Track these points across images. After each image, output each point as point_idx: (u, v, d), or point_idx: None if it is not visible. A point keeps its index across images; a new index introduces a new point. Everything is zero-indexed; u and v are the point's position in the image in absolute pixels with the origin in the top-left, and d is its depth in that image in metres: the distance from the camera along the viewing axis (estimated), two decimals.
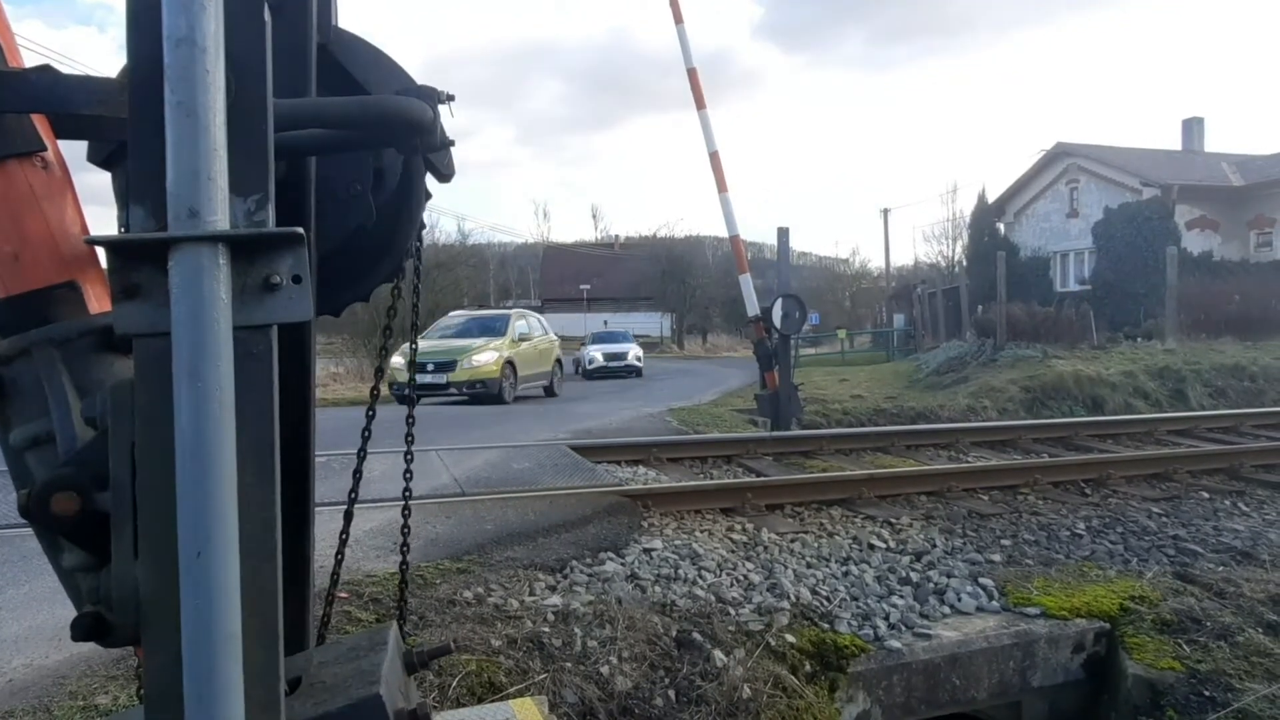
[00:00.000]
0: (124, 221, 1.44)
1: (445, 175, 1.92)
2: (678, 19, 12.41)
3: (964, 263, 36.83)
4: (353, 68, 1.79)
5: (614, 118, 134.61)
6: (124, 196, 1.50)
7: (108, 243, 1.15)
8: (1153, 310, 22.64)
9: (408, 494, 2.30)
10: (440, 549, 4.62)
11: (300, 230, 1.18)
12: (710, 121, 12.40)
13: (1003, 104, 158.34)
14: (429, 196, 1.97)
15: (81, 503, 1.27)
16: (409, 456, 2.26)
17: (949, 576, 4.94)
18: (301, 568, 1.79)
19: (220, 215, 1.14)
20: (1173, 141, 32.85)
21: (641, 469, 7.65)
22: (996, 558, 5.27)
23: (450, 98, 1.69)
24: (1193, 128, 31.96)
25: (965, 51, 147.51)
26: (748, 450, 8.47)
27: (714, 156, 12.31)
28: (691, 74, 12.32)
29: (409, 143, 1.62)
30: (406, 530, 2.32)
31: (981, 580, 4.89)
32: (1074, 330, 19.42)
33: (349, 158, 1.84)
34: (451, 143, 1.72)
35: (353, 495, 2.11)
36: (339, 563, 2.12)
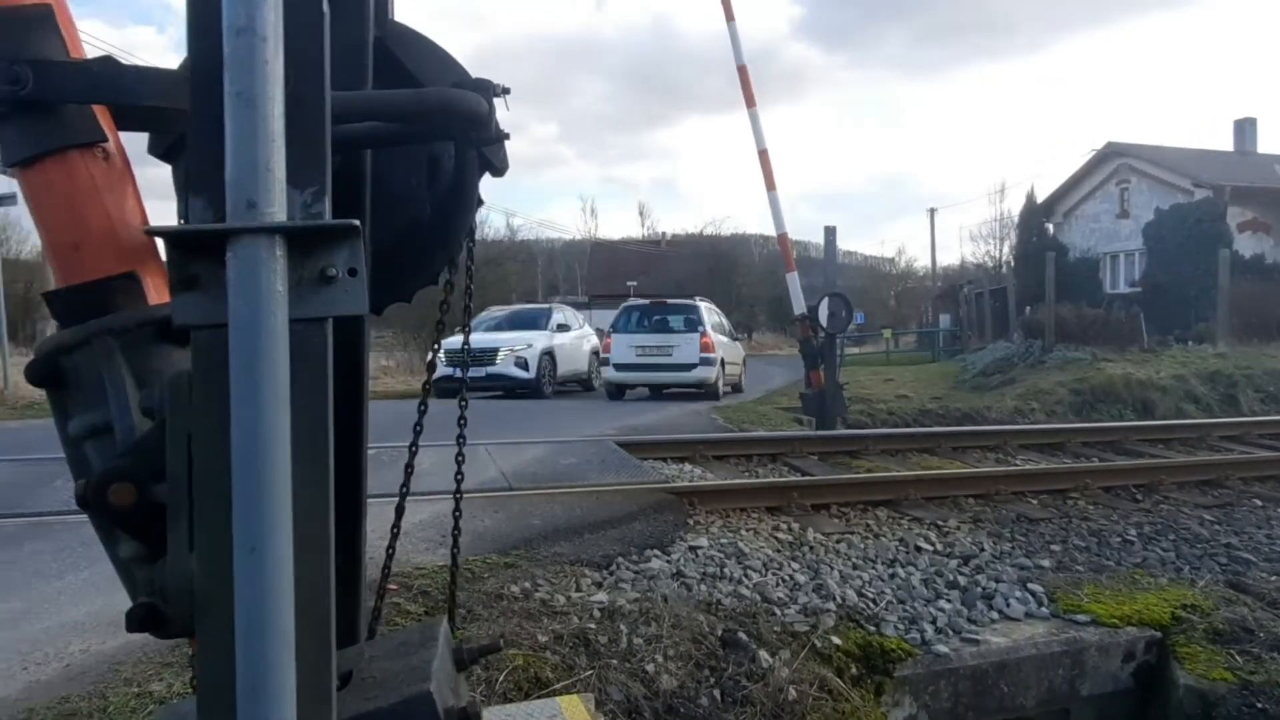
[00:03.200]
0: (183, 213, 1.44)
1: (499, 170, 1.90)
2: (729, 16, 12.35)
3: (1010, 263, 36.34)
4: (408, 60, 1.79)
5: (658, 116, 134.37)
6: (184, 188, 1.51)
7: (167, 234, 1.15)
8: (1204, 313, 22.11)
9: (459, 496, 2.30)
10: (488, 543, 4.64)
11: (356, 223, 1.17)
12: (760, 119, 12.32)
13: (1050, 103, 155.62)
14: (481, 203, 1.96)
15: (138, 494, 1.27)
16: (460, 458, 2.27)
17: (997, 581, 4.85)
18: (353, 561, 1.79)
19: (278, 207, 1.13)
20: (1225, 142, 32.08)
21: (687, 466, 7.62)
22: (1046, 563, 5.17)
23: (505, 91, 1.68)
24: (1245, 128, 31.14)
25: (1010, 52, 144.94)
26: (793, 449, 8.41)
27: (763, 154, 12.24)
28: (741, 71, 12.25)
29: (464, 136, 1.61)
30: (457, 532, 2.32)
31: (1030, 586, 4.80)
32: (1124, 333, 19.04)
33: (404, 151, 1.84)
34: (506, 136, 1.70)
35: (404, 489, 2.12)
36: (390, 556, 2.13)
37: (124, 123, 1.51)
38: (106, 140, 1.46)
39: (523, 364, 16.88)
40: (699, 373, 16.10)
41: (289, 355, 1.15)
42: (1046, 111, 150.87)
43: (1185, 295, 23.93)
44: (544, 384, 17.39)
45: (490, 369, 16.54)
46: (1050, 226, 31.92)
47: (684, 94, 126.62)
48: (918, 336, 38.77)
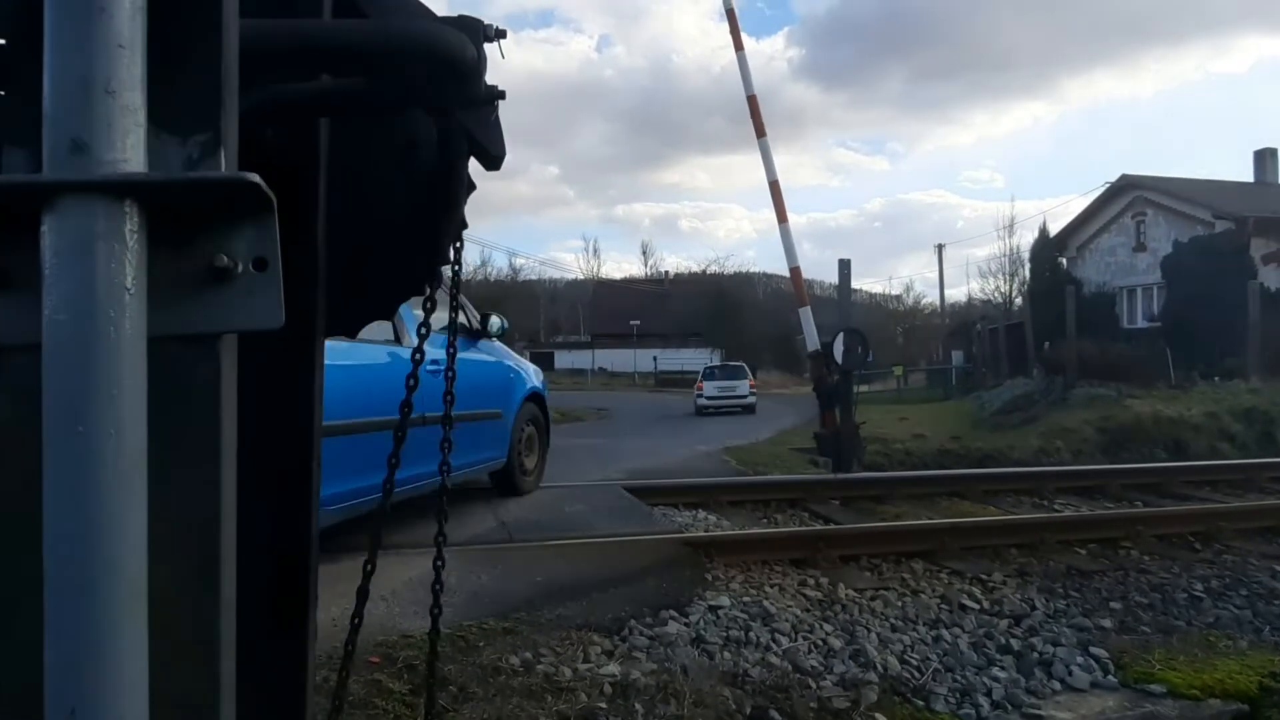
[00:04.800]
0: None
1: (494, 156, 1.46)
2: (738, 46, 12.03)
3: (1020, 299, 35.92)
4: (371, 8, 1.35)
5: (658, 157, 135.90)
6: None
7: None
8: (1230, 348, 21.52)
9: (440, 565, 1.86)
10: (485, 605, 4.16)
11: (258, 180, 0.72)
12: (770, 150, 11.96)
13: (1058, 138, 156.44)
14: (473, 188, 1.52)
15: None
16: (442, 515, 1.83)
17: (1055, 645, 4.35)
18: (297, 667, 1.34)
19: (128, 153, 0.69)
20: (1244, 173, 31.75)
21: (701, 513, 7.14)
22: (1107, 623, 4.66)
23: (500, 34, 1.24)
24: (1265, 159, 30.81)
25: (1013, 89, 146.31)
26: (813, 493, 7.93)
27: (774, 186, 11.84)
28: (751, 101, 11.90)
29: (441, 91, 1.17)
30: (437, 610, 1.86)
31: (1093, 650, 4.29)
32: (1149, 369, 18.50)
33: (370, 126, 1.40)
34: (501, 95, 1.25)
35: (375, 539, 1.69)
36: (349, 655, 1.66)
37: None
38: None
39: None
40: (748, 400, 29.40)
41: (146, 396, 0.70)
42: (1054, 147, 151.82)
43: (1208, 329, 23.02)
44: None
45: None
46: (1064, 261, 31.46)
47: (683, 135, 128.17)
48: (927, 374, 38.21)
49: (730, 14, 12.18)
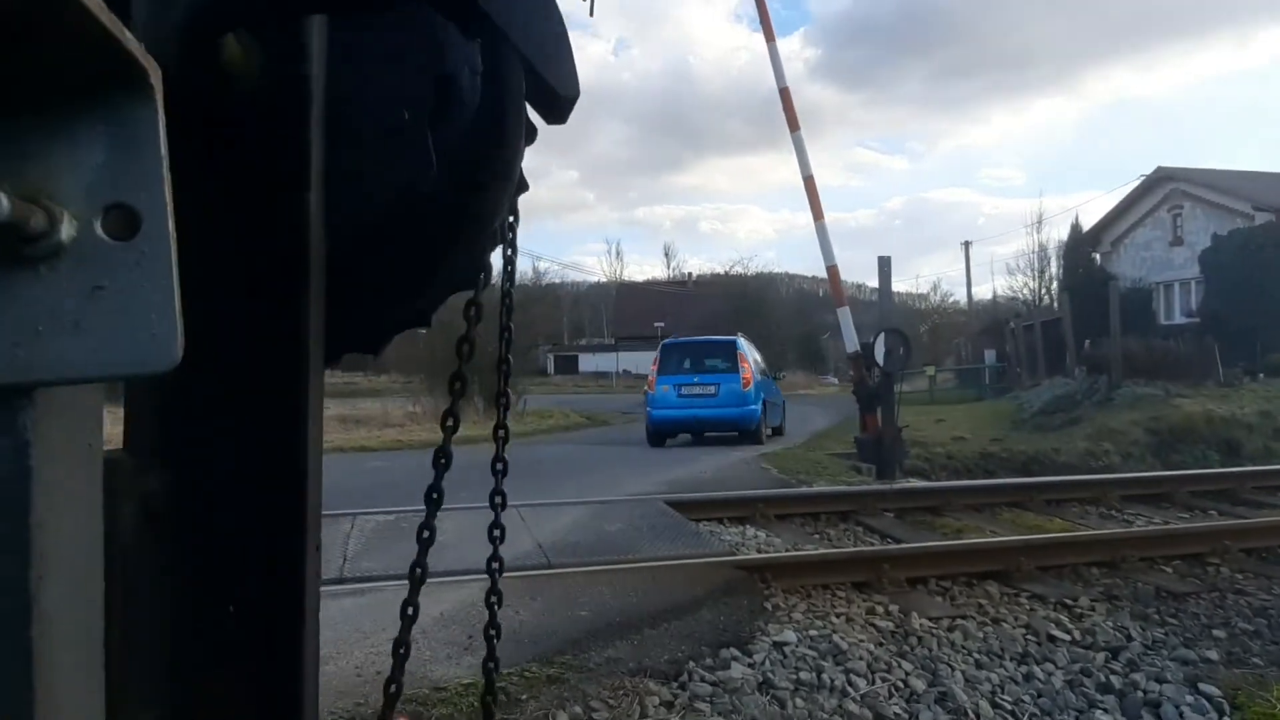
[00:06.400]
0: None
1: (564, 98, 1.01)
2: (769, 37, 11.60)
3: (1051, 295, 35.20)
4: None
5: (677, 160, 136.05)
6: None
7: None
8: (1273, 343, 20.80)
9: (494, 602, 1.47)
10: (526, 646, 3.70)
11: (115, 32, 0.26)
12: (804, 145, 11.50)
13: (1084, 133, 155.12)
14: (533, 134, 1.07)
15: None
16: (496, 532, 1.47)
17: (1159, 681, 3.86)
18: None
19: None
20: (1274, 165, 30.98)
21: (749, 529, 6.66)
22: (1213, 655, 4.16)
23: None
24: None
25: (1033, 85, 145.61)
26: (864, 506, 7.44)
27: (809, 181, 11.39)
28: (784, 94, 11.45)
29: None
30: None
31: (1203, 688, 3.79)
32: (1196, 367, 17.81)
33: (388, 62, 0.95)
34: None
35: (408, 611, 1.32)
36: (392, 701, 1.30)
37: None
38: None
39: None
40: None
41: None
42: (1076, 143, 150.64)
43: (1249, 325, 22.33)
44: None
45: None
46: (1098, 256, 30.74)
47: (702, 136, 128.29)
48: (957, 374, 37.42)
49: (760, 3, 11.76)
